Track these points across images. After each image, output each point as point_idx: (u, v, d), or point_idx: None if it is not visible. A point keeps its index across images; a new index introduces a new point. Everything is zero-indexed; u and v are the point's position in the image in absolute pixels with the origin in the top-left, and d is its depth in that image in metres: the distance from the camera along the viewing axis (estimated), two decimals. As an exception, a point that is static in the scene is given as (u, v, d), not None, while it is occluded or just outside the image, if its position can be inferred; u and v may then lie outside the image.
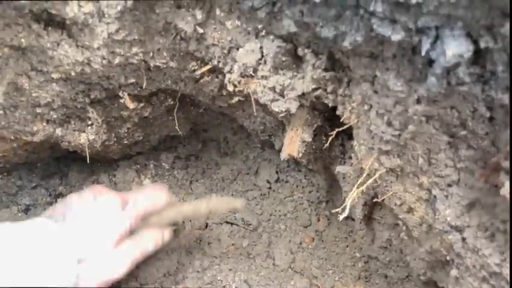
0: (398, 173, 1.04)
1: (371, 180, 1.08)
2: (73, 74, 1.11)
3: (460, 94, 0.84)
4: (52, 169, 1.62)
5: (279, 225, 1.62)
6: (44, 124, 1.26)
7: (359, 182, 1.10)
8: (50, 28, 1.02)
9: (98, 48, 1.04)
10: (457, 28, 0.77)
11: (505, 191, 0.78)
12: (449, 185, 0.93)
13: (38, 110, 1.21)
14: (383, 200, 1.11)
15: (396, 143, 0.99)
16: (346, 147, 1.31)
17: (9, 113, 1.20)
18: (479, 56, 0.78)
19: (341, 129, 1.14)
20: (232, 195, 1.68)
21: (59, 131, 1.30)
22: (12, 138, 1.28)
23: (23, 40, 1.02)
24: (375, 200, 1.16)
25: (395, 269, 1.30)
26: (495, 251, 0.86)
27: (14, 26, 1.00)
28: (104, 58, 1.06)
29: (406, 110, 0.92)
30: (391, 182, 1.07)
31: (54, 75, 1.11)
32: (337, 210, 1.11)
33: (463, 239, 0.93)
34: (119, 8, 0.94)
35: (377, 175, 1.07)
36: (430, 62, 0.83)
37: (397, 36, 0.84)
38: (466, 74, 0.80)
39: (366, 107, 1.03)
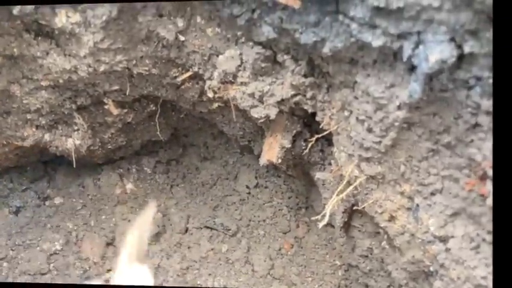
0: (379, 180, 1.00)
1: (351, 188, 1.04)
2: (60, 81, 1.14)
3: (443, 100, 0.81)
4: (40, 173, 1.63)
5: (258, 231, 1.60)
6: (34, 129, 1.30)
7: (339, 189, 1.07)
8: (40, 38, 1.06)
9: (85, 57, 1.07)
10: (440, 33, 0.74)
11: (491, 200, 0.73)
12: (433, 194, 0.89)
13: (28, 116, 1.25)
14: (363, 208, 1.06)
15: (377, 150, 0.96)
16: (326, 153, 1.27)
17: (1, 119, 1.24)
18: (463, 61, 0.75)
19: (320, 135, 1.12)
20: (211, 200, 1.66)
21: (47, 136, 1.33)
22: (5, 143, 1.33)
23: (15, 49, 1.07)
24: (355, 207, 1.10)
25: (376, 278, 1.24)
26: (481, 263, 0.82)
27: (7, 36, 1.04)
28: (90, 66, 1.10)
29: (387, 116, 0.89)
30: (372, 189, 1.03)
31: (44, 83, 1.15)
32: (317, 217, 1.08)
33: (447, 250, 0.88)
34: (104, 18, 0.98)
35: (357, 182, 1.03)
36: (412, 68, 0.80)
37: (378, 42, 0.81)
38: (450, 80, 0.77)
39: (346, 113, 1.00)
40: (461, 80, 0.76)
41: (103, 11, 0.97)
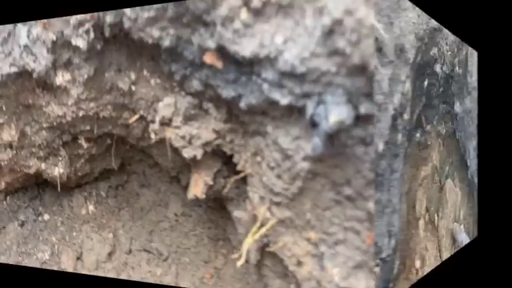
0: (288, 224, 0.96)
1: (263, 230, 0.98)
2: (55, 124, 1.35)
3: (344, 155, 0.79)
4: (35, 193, 1.77)
5: (184, 258, 1.54)
6: (36, 160, 1.50)
7: (253, 230, 1.02)
8: (45, 92, 1.28)
9: (71, 105, 1.26)
10: (337, 95, 0.72)
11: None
12: (336, 244, 0.84)
13: (33, 150, 1.46)
14: (274, 250, 0.99)
15: (286, 196, 0.92)
16: (241, 190, 1.23)
17: (18, 152, 1.47)
18: (360, 120, 0.73)
19: (238, 176, 1.09)
20: (148, 224, 1.62)
21: (43, 165, 1.51)
22: (18, 170, 1.55)
23: (30, 101, 1.31)
24: (267, 248, 1.02)
25: (286, 320, 1.15)
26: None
27: (27, 92, 1.29)
28: (73, 112, 1.29)
29: (294, 166, 0.86)
30: (282, 232, 0.99)
31: (45, 125, 1.37)
32: (235, 256, 1.08)
33: (352, 302, 0.80)
34: (85, 76, 1.17)
35: (269, 225, 0.97)
36: (315, 124, 0.76)
37: (285, 100, 0.81)
38: (349, 137, 0.75)
39: (258, 159, 0.98)
40: (359, 137, 0.73)
41: (85, 71, 1.16)
